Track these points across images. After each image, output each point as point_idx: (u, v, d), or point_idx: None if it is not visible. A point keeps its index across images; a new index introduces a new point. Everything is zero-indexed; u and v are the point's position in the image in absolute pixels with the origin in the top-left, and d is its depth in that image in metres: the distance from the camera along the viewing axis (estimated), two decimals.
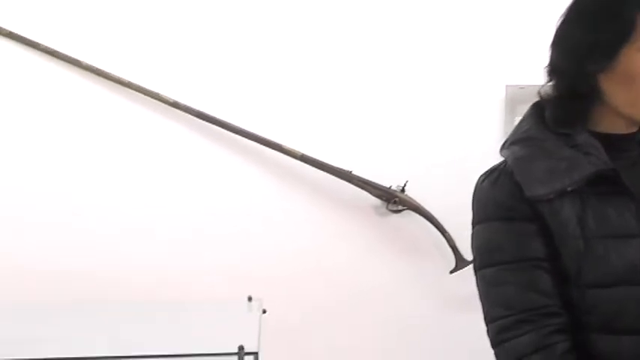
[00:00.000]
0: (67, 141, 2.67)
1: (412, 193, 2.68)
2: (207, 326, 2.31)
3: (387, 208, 2.70)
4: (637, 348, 1.25)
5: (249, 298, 2.57)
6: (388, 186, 2.68)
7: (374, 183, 2.67)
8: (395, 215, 2.71)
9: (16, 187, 2.65)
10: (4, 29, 2.61)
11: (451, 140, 2.74)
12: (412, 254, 2.75)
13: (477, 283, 1.38)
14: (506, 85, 2.70)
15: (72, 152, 2.67)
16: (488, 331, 1.34)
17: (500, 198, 1.34)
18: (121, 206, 2.68)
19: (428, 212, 2.68)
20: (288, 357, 2.65)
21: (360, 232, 2.74)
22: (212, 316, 2.46)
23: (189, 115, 2.65)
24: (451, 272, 2.67)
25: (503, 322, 1.31)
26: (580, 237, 1.26)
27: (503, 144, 1.41)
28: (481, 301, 1.36)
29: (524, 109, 1.44)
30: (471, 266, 1.41)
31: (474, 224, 1.39)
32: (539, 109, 1.40)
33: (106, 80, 2.64)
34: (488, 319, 1.34)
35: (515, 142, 1.38)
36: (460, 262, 2.64)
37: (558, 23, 1.34)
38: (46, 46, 2.63)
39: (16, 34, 2.62)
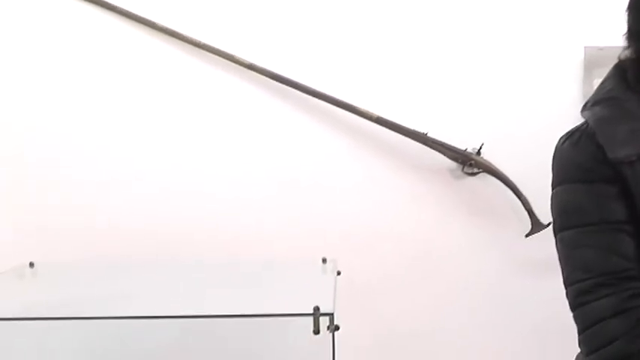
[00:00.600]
0: (146, 103, 2.71)
1: (488, 155, 2.65)
2: (282, 287, 2.34)
3: (462, 170, 2.68)
4: None
5: (324, 260, 2.59)
6: (464, 148, 2.65)
7: (449, 145, 2.65)
8: (470, 178, 2.69)
9: (98, 146, 2.72)
10: None
11: (528, 102, 2.69)
12: (487, 217, 2.72)
13: (556, 245, 1.36)
14: (585, 47, 2.64)
15: (152, 113, 2.72)
16: (567, 294, 1.33)
17: (580, 159, 1.32)
18: (197, 167, 2.72)
19: (504, 175, 2.65)
20: (362, 319, 2.67)
21: (434, 195, 2.72)
22: (287, 277, 2.48)
23: (265, 77, 2.66)
24: (527, 236, 2.64)
25: (582, 285, 1.29)
26: None
27: (585, 105, 1.38)
28: (560, 264, 1.35)
29: (602, 71, 1.40)
30: (547, 230, 1.39)
31: (553, 186, 1.37)
32: (621, 71, 1.36)
33: (180, 42, 2.67)
34: (568, 282, 1.32)
35: (597, 102, 1.35)
36: (536, 226, 2.60)
37: None
38: (122, 8, 2.67)
39: None
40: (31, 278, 2.64)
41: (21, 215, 2.72)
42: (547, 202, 1.39)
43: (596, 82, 1.42)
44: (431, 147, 2.64)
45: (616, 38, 1.37)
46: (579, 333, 1.30)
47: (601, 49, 2.53)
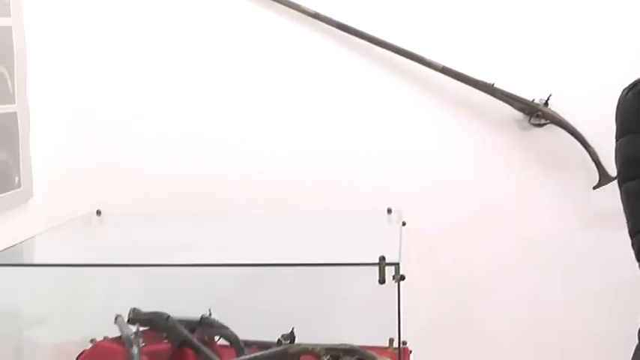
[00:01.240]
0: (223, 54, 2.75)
1: (555, 107, 2.62)
2: (347, 237, 2.36)
3: (529, 122, 2.65)
4: None
5: (389, 210, 2.60)
6: (531, 99, 2.63)
7: (516, 96, 2.62)
8: (537, 129, 2.66)
9: (174, 103, 2.77)
10: None
11: (595, 53, 2.63)
12: (554, 169, 2.69)
13: (620, 196, 1.36)
14: None
15: (230, 72, 2.74)
16: (632, 244, 1.32)
17: None
18: (263, 121, 2.74)
19: (571, 126, 2.61)
20: (428, 270, 2.69)
21: (501, 146, 2.70)
22: (352, 227, 2.50)
23: (330, 27, 2.66)
24: (594, 188, 2.61)
25: None
26: None
27: None
28: (625, 214, 1.34)
29: None
30: (615, 182, 1.38)
31: (617, 137, 1.36)
32: None
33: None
34: (633, 232, 1.32)
35: None
36: (604, 178, 2.57)
37: None
38: None
39: None
40: (98, 226, 2.71)
41: (92, 166, 2.78)
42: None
43: None
44: (497, 97, 2.62)
45: None
46: None
47: None
